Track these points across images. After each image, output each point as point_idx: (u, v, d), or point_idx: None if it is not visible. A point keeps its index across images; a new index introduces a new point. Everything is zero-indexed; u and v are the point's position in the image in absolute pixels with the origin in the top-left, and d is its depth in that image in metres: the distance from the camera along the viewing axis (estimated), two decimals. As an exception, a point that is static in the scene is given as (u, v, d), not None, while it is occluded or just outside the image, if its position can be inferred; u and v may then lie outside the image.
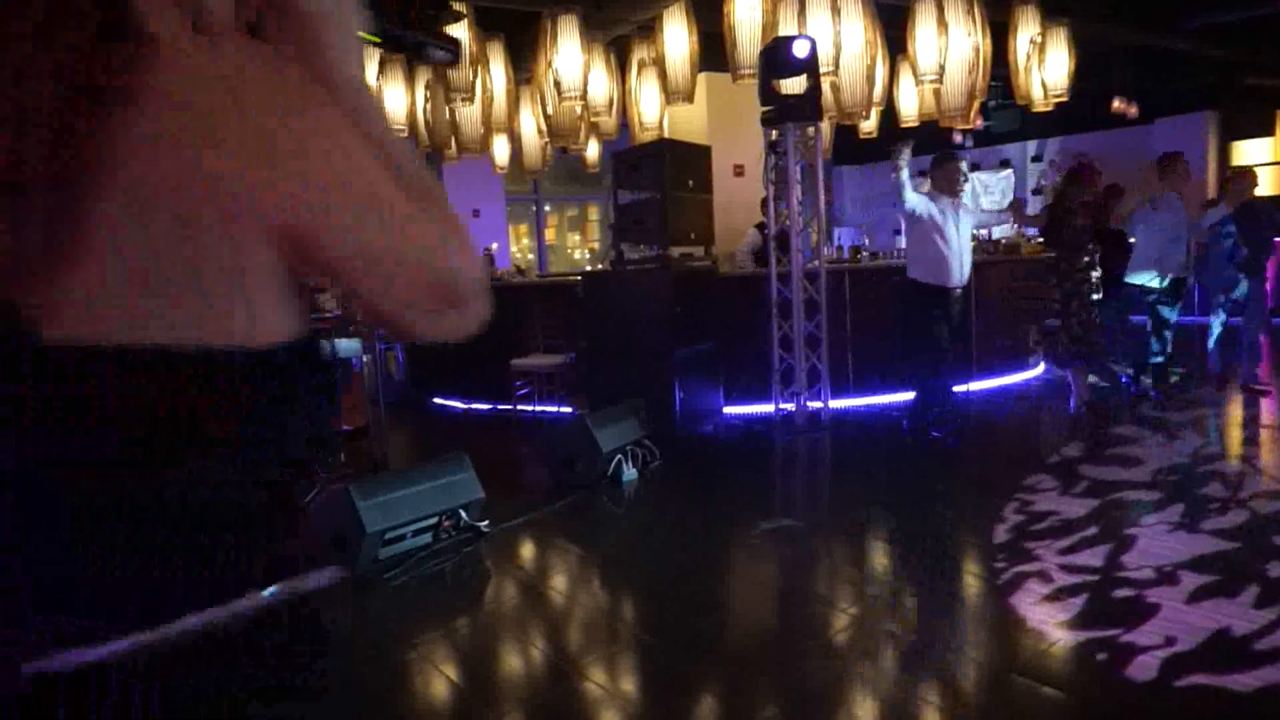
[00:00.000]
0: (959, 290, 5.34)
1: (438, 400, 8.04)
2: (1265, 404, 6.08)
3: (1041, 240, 6.34)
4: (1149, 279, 6.15)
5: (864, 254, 8.14)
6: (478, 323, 0.84)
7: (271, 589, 0.77)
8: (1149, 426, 5.59)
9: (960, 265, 5.29)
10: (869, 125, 8.12)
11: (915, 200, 5.22)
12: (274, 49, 0.74)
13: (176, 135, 0.67)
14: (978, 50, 6.17)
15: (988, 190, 14.07)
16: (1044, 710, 2.47)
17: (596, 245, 14.80)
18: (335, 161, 0.72)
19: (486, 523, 4.12)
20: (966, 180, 5.55)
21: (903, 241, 11.45)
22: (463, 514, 4.00)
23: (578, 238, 15.18)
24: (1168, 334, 6.23)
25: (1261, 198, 6.74)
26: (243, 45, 0.72)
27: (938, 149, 6.23)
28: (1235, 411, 6.00)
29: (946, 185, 5.40)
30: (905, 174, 5.14)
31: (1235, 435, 5.53)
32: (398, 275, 0.75)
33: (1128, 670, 2.57)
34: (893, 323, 6.90)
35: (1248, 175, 6.39)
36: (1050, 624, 2.90)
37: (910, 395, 5.69)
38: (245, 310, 0.72)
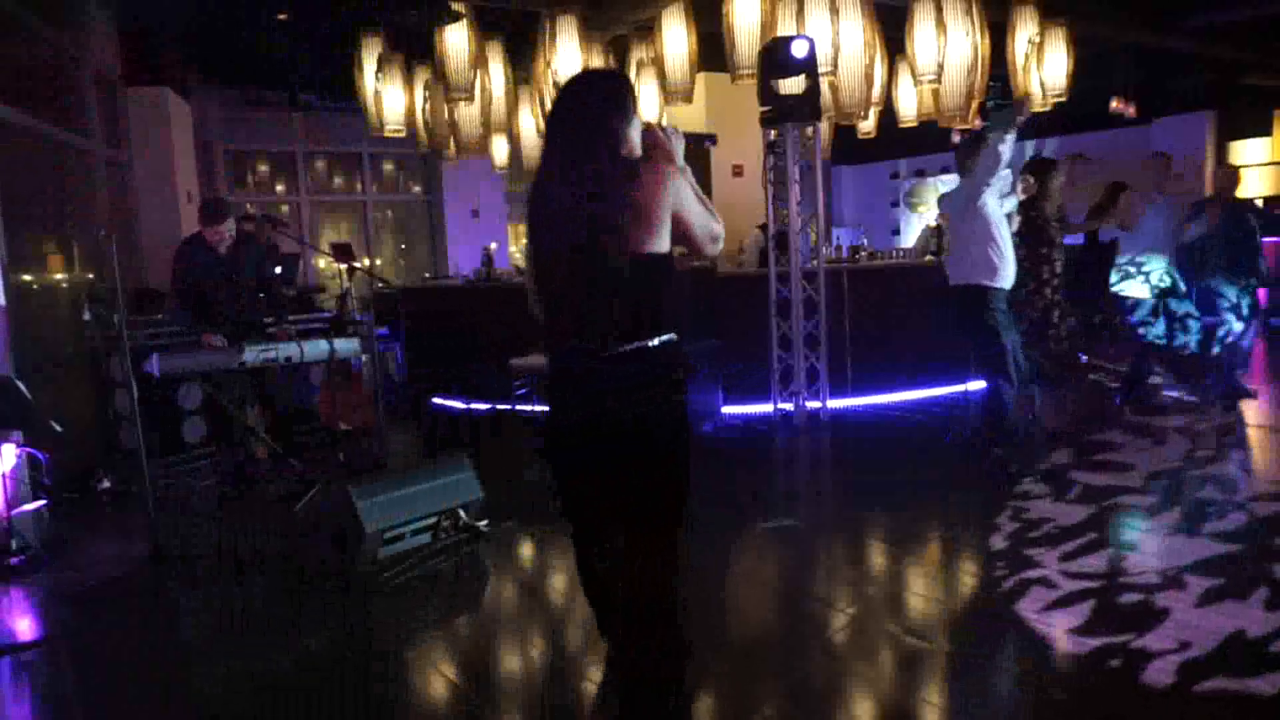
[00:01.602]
0: (1009, 292, 4.66)
1: (438, 400, 8.05)
2: (1252, 405, 6.05)
3: (1019, 241, 5.66)
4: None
5: (863, 254, 8.13)
6: (719, 252, 2.35)
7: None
8: (1134, 432, 5.58)
9: (1014, 262, 4.64)
10: (868, 125, 8.12)
11: (990, 194, 4.50)
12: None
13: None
14: (976, 50, 6.17)
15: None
16: (1058, 718, 2.45)
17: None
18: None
19: (486, 522, 4.12)
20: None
21: (902, 241, 11.47)
22: (462, 514, 4.01)
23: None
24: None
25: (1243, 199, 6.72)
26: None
27: (935, 149, 6.11)
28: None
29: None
30: (1008, 153, 4.37)
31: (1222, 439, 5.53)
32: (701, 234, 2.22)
33: (1144, 676, 2.53)
34: (893, 324, 6.92)
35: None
36: (1059, 630, 2.87)
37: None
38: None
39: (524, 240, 2.67)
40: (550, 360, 2.29)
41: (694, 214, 2.21)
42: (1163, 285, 5.94)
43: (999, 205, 4.64)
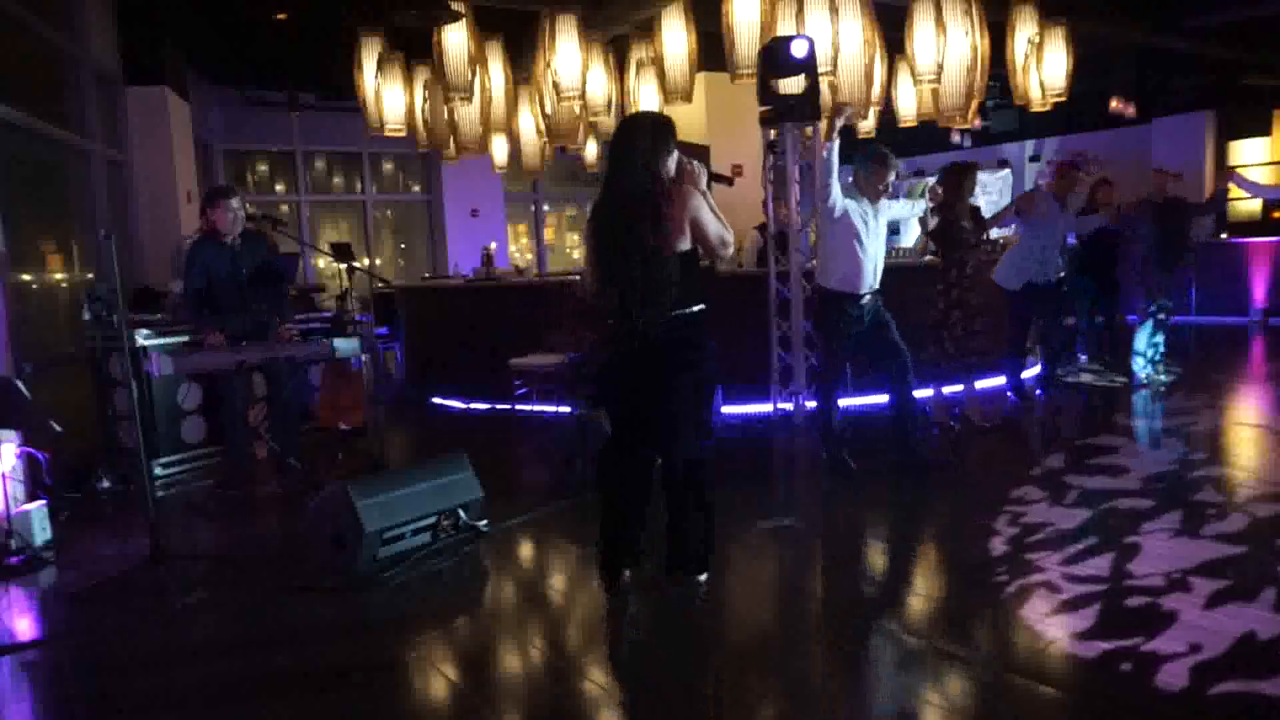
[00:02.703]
0: (869, 296, 4.80)
1: (437, 400, 8.04)
2: (1241, 404, 6.05)
3: (932, 245, 5.90)
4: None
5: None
6: (731, 257, 3.81)
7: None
8: (1128, 434, 5.56)
9: (874, 270, 4.79)
10: (867, 125, 8.12)
11: (840, 197, 4.70)
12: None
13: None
14: (976, 50, 6.17)
15: (985, 190, 14.07)
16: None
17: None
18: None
19: (485, 522, 4.12)
20: (888, 188, 4.93)
21: (901, 240, 11.53)
22: (462, 514, 4.01)
23: (577, 237, 15.17)
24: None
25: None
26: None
27: (936, 149, 6.18)
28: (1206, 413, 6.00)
29: (869, 188, 4.82)
30: (835, 157, 4.61)
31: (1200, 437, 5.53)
32: (714, 239, 3.20)
33: (1156, 680, 2.51)
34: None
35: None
36: (1066, 634, 2.85)
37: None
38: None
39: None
40: (610, 326, 3.19)
41: (709, 224, 3.14)
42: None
43: (865, 212, 4.79)
